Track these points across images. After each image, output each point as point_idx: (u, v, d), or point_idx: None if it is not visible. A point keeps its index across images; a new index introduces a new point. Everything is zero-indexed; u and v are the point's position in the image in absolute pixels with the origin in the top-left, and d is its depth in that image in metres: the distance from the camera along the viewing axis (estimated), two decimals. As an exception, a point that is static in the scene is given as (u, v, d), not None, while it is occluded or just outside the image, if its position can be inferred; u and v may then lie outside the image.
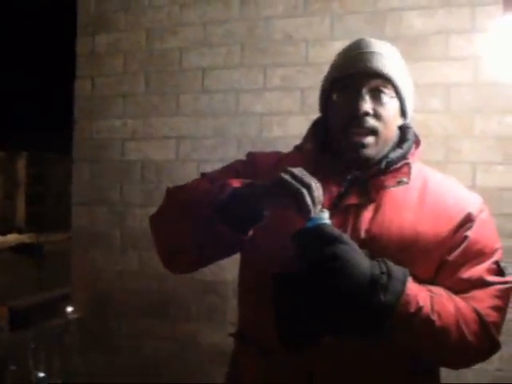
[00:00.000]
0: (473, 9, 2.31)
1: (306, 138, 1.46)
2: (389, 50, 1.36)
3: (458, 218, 1.30)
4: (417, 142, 1.42)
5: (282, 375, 1.32)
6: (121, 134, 2.80)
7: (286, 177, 1.16)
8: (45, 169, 8.01)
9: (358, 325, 1.21)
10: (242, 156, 2.48)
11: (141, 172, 2.76)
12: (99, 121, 2.83)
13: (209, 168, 2.59)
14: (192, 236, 1.32)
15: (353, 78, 1.31)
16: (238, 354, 1.49)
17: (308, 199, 1.14)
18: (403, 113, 1.37)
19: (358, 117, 1.29)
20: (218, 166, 2.53)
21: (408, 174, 1.33)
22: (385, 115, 1.31)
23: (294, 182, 1.15)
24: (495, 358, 2.20)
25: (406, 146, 1.37)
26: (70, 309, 2.75)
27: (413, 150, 1.39)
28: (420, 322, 1.20)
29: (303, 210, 1.15)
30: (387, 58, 1.32)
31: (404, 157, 1.35)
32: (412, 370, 1.32)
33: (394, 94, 1.32)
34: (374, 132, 1.30)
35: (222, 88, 2.64)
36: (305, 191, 1.14)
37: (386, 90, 1.30)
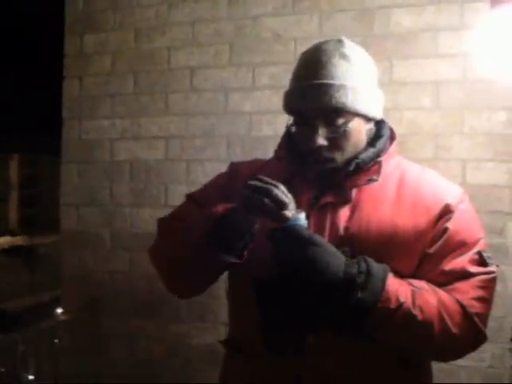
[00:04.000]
0: (461, 5, 2.30)
1: (280, 145, 1.47)
2: (340, 63, 1.31)
3: (436, 209, 1.30)
4: (392, 137, 1.42)
5: (269, 379, 1.33)
6: (109, 134, 2.78)
7: (246, 192, 1.20)
8: (38, 171, 7.96)
9: (339, 323, 1.21)
10: (231, 156, 2.50)
11: (130, 172, 2.75)
12: (87, 121, 2.81)
13: (198, 168, 2.62)
14: (188, 268, 1.36)
15: (306, 112, 1.32)
16: (227, 360, 1.51)
17: (271, 206, 1.17)
18: (370, 118, 1.36)
19: (314, 150, 1.30)
20: (208, 165, 2.57)
21: (378, 171, 1.34)
22: (341, 143, 1.31)
23: (253, 194, 1.18)
24: (487, 355, 2.23)
25: (379, 143, 1.37)
26: (59, 310, 2.73)
27: (387, 145, 1.39)
28: (402, 318, 1.20)
29: (274, 217, 1.19)
30: (338, 82, 1.29)
31: (377, 155, 1.35)
32: (400, 367, 1.32)
33: (351, 117, 1.30)
34: (332, 160, 1.32)
35: (210, 87, 2.63)
36: (266, 200, 1.17)
37: (340, 119, 1.30)
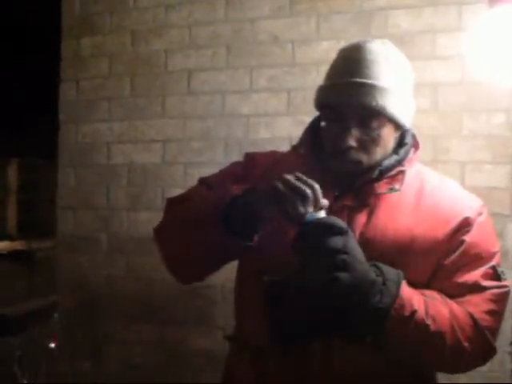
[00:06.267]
0: (459, 7, 2.29)
1: (302, 141, 1.44)
2: (385, 65, 1.28)
3: (455, 222, 1.28)
4: (415, 146, 1.40)
5: (276, 380, 1.31)
6: (106, 137, 2.77)
7: (279, 184, 1.14)
8: (36, 175, 7.95)
9: (354, 327, 1.19)
10: (228, 159, 2.48)
11: (127, 176, 2.73)
12: (84, 124, 2.80)
13: (196, 171, 2.60)
14: (195, 249, 1.33)
15: (341, 109, 1.28)
16: (232, 358, 1.48)
17: (298, 205, 1.12)
18: (400, 126, 1.33)
19: (343, 150, 1.27)
20: (205, 168, 2.55)
21: (401, 181, 1.31)
22: (371, 147, 1.28)
23: (285, 189, 1.13)
24: (487, 359, 2.20)
25: (402, 151, 1.35)
26: (56, 314, 2.71)
27: (411, 154, 1.36)
28: (415, 326, 1.18)
29: (293, 216, 1.14)
30: (382, 85, 1.25)
31: (399, 163, 1.33)
32: (407, 372, 1.30)
33: (385, 122, 1.27)
34: (358, 163, 1.29)
35: (208, 90, 2.61)
36: (296, 198, 1.12)
37: (375, 123, 1.26)
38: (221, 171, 1.54)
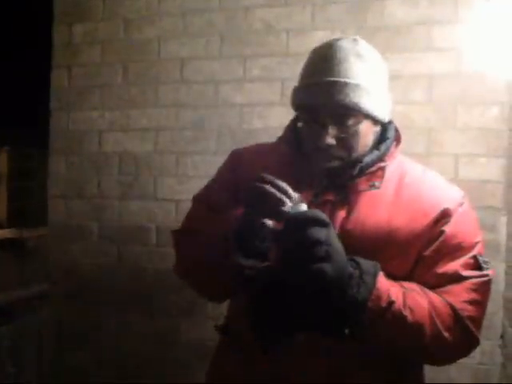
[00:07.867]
0: (455, -1, 2.28)
1: (283, 137, 1.44)
2: (356, 62, 1.28)
3: (434, 213, 1.28)
4: (397, 140, 1.40)
5: (261, 372, 1.32)
6: (98, 125, 2.74)
7: (247, 193, 1.19)
8: (28, 164, 7.91)
9: (331, 320, 1.19)
10: (221, 148, 2.47)
11: (119, 164, 2.71)
12: (76, 112, 2.77)
13: (188, 160, 2.59)
14: (214, 284, 1.36)
15: (316, 108, 1.28)
16: (220, 349, 1.49)
17: (270, 205, 1.15)
18: (378, 120, 1.33)
19: (321, 149, 1.27)
20: (197, 158, 2.54)
21: (381, 177, 1.31)
22: (350, 144, 1.28)
23: (254, 195, 1.17)
24: (477, 352, 2.21)
25: (383, 146, 1.35)
26: (47, 304, 2.70)
27: (392, 149, 1.37)
28: (392, 318, 1.18)
29: (274, 215, 1.17)
30: (354, 81, 1.25)
31: (380, 159, 1.33)
32: (392, 368, 1.29)
33: (361, 118, 1.28)
34: (339, 159, 1.29)
35: (201, 79, 2.59)
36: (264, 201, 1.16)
37: (350, 120, 1.27)
38: (212, 182, 1.54)
